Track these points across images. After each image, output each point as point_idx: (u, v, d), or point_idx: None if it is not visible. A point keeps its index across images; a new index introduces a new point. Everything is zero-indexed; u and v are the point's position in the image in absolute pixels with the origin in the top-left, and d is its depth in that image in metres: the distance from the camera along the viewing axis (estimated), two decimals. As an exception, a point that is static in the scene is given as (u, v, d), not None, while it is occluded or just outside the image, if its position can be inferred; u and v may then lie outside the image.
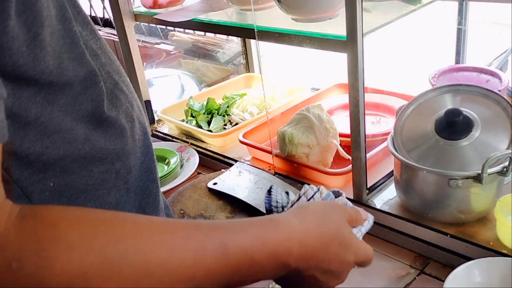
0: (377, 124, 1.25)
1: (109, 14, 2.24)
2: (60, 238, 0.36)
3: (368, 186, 0.97)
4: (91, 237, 0.38)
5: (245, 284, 0.47)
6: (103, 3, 2.26)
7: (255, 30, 0.96)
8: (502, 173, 0.80)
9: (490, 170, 0.79)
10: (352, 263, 0.54)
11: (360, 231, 0.60)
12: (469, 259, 0.78)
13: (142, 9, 1.30)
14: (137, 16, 1.30)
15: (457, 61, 1.22)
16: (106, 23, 2.31)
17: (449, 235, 0.85)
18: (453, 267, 0.77)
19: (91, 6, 2.37)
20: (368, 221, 0.62)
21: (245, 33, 1.16)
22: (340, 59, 0.86)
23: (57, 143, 0.47)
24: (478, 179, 0.80)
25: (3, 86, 0.39)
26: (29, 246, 0.35)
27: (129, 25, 1.30)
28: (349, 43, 0.82)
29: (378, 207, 0.96)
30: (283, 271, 0.49)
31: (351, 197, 0.98)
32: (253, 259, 0.45)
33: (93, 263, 0.36)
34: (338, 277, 0.54)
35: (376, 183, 1.01)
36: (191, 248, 0.42)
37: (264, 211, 0.92)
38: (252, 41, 1.69)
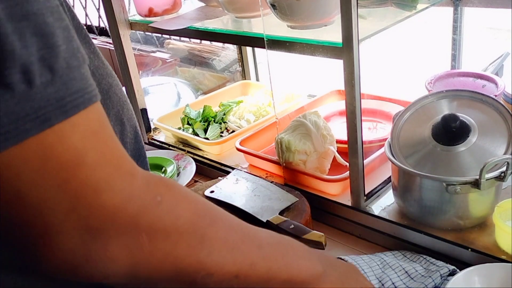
0: (374, 130, 1.25)
1: (104, 23, 2.24)
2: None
3: (366, 193, 0.97)
4: None
5: None
6: (98, 12, 2.27)
7: (265, 39, 0.95)
8: (500, 178, 0.80)
9: (488, 175, 0.79)
10: None
11: None
12: (468, 265, 0.78)
13: (138, 18, 1.30)
14: (132, 25, 1.30)
15: (453, 67, 1.22)
16: (101, 32, 2.31)
17: (448, 241, 0.84)
18: (452, 274, 0.77)
19: (86, 15, 2.38)
20: None
21: (241, 40, 1.16)
22: (336, 65, 0.86)
23: None
24: (476, 184, 0.79)
25: (84, 52, 0.39)
26: (163, 188, 0.43)
27: (125, 34, 1.30)
28: (344, 49, 0.82)
29: (376, 213, 0.96)
30: None
31: (349, 204, 0.98)
32: None
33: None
34: None
35: (374, 189, 1.01)
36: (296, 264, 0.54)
37: (263, 220, 0.92)
38: (248, 49, 1.69)
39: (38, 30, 0.35)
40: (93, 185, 0.38)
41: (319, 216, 1.03)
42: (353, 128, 0.88)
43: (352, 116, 0.87)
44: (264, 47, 0.97)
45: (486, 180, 0.79)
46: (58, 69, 0.36)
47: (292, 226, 0.90)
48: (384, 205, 0.98)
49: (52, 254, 0.38)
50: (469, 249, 0.82)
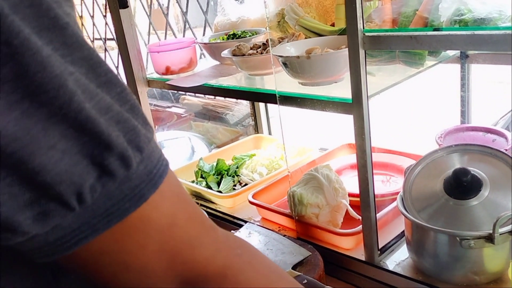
0: (386, 184, 1.25)
1: (123, 80, 2.32)
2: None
3: (380, 247, 0.96)
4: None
5: None
6: (117, 70, 2.35)
7: (277, 95, 0.99)
8: (514, 232, 0.79)
9: (501, 230, 0.78)
10: None
11: None
12: (486, 323, 0.76)
13: (155, 75, 1.35)
14: (150, 82, 1.35)
15: (462, 121, 1.23)
16: (119, 88, 2.38)
17: (464, 298, 0.83)
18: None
19: (105, 72, 2.46)
20: None
21: (254, 97, 1.20)
22: (347, 119, 0.88)
23: None
24: (490, 239, 0.79)
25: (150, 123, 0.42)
26: (239, 242, 0.48)
27: (142, 91, 1.35)
28: (354, 105, 0.84)
29: (390, 268, 0.94)
30: None
31: (363, 258, 0.97)
32: None
33: None
34: None
35: (388, 243, 1.00)
36: None
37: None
38: (261, 103, 1.73)
39: (118, 118, 0.38)
40: (187, 242, 0.42)
41: (333, 270, 1.02)
42: (364, 181, 0.89)
43: (364, 170, 0.88)
44: (276, 103, 1.00)
45: (500, 234, 0.78)
46: (143, 146, 0.39)
47: (306, 281, 0.89)
48: (398, 259, 0.97)
49: None
50: (487, 306, 0.80)
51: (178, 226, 0.41)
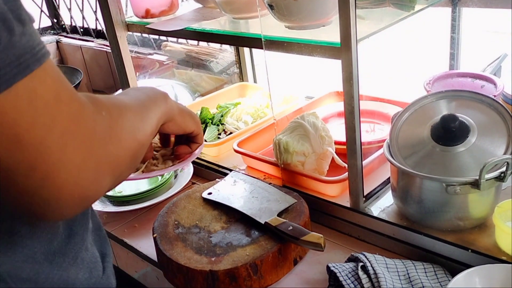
0: (372, 133, 1.24)
1: (101, 25, 2.24)
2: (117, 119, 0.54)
3: (365, 194, 0.96)
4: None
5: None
6: (95, 14, 2.26)
7: (262, 40, 0.94)
8: (500, 178, 0.79)
9: (487, 176, 0.78)
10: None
11: None
12: (468, 266, 0.77)
13: (135, 19, 1.29)
14: (129, 26, 1.29)
15: (452, 66, 1.21)
16: (98, 34, 2.30)
17: (448, 242, 0.84)
18: (453, 275, 0.76)
19: (83, 17, 2.37)
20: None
21: (238, 41, 1.16)
22: (334, 67, 0.86)
23: None
24: (476, 184, 0.79)
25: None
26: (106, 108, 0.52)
27: (121, 36, 1.29)
28: (343, 49, 0.81)
29: (375, 214, 0.95)
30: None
31: (348, 205, 0.97)
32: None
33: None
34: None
35: (373, 190, 1.00)
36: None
37: (262, 222, 0.93)
38: (246, 51, 1.68)
39: None
40: (73, 112, 0.45)
41: (318, 217, 1.02)
42: (351, 129, 0.87)
43: (351, 117, 0.86)
44: (261, 48, 0.96)
45: (486, 180, 0.78)
46: (25, 20, 0.40)
47: (291, 227, 0.89)
48: (383, 206, 0.97)
49: (63, 189, 0.43)
50: (469, 250, 0.81)
51: (63, 103, 0.43)
